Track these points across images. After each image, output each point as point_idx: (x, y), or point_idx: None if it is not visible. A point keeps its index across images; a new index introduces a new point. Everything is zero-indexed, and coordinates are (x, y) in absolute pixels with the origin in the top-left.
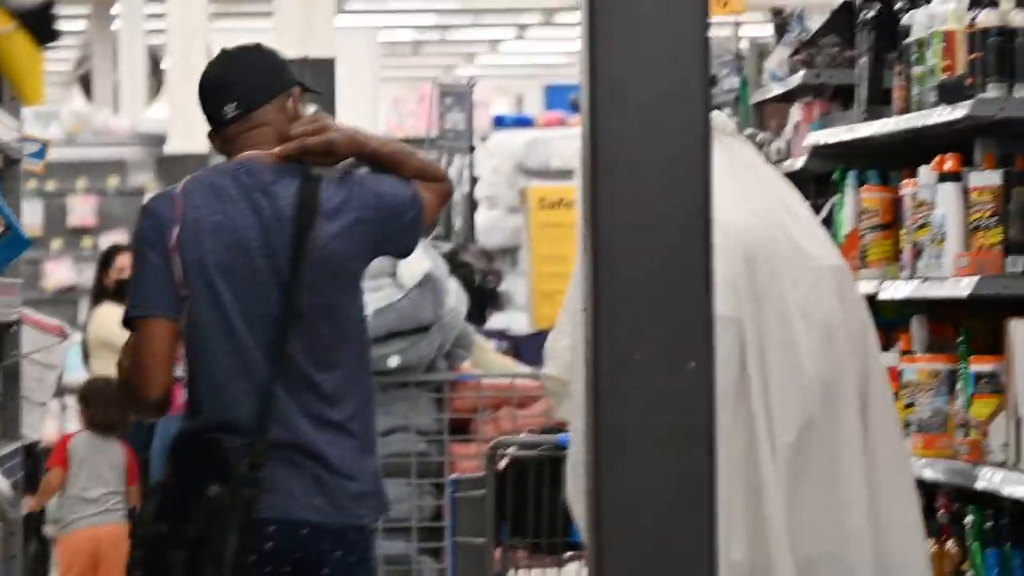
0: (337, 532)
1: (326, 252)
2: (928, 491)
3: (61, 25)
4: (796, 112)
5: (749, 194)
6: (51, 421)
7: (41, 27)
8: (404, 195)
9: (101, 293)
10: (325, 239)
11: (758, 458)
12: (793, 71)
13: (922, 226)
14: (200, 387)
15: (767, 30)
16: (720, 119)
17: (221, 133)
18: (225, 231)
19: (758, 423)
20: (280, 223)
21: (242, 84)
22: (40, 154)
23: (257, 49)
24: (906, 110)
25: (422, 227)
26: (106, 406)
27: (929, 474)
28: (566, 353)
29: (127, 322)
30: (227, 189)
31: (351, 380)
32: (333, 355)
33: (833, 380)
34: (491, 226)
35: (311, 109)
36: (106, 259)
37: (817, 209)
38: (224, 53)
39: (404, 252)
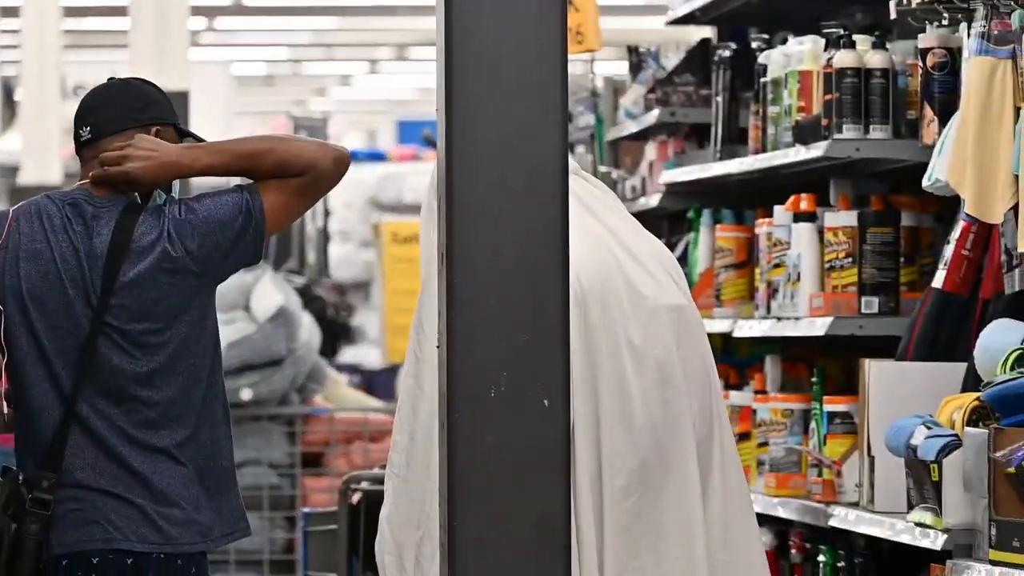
0: (162, 561)
1: (135, 289)
2: (781, 530)
3: None
4: (651, 150)
5: (583, 232)
6: None
7: None
8: (227, 212)
9: None
10: (135, 276)
11: (578, 504)
12: (648, 109)
13: (777, 265)
14: (18, 415)
15: (623, 67)
16: None
17: (78, 155)
18: (42, 259)
19: (579, 467)
20: (92, 259)
21: (100, 111)
22: None
23: (132, 83)
24: (762, 149)
25: (261, 232)
26: None
27: (782, 513)
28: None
29: None
30: (53, 217)
31: (182, 406)
32: (156, 384)
33: (668, 421)
34: (344, 260)
35: None
36: None
37: (671, 247)
38: (105, 82)
39: (249, 261)
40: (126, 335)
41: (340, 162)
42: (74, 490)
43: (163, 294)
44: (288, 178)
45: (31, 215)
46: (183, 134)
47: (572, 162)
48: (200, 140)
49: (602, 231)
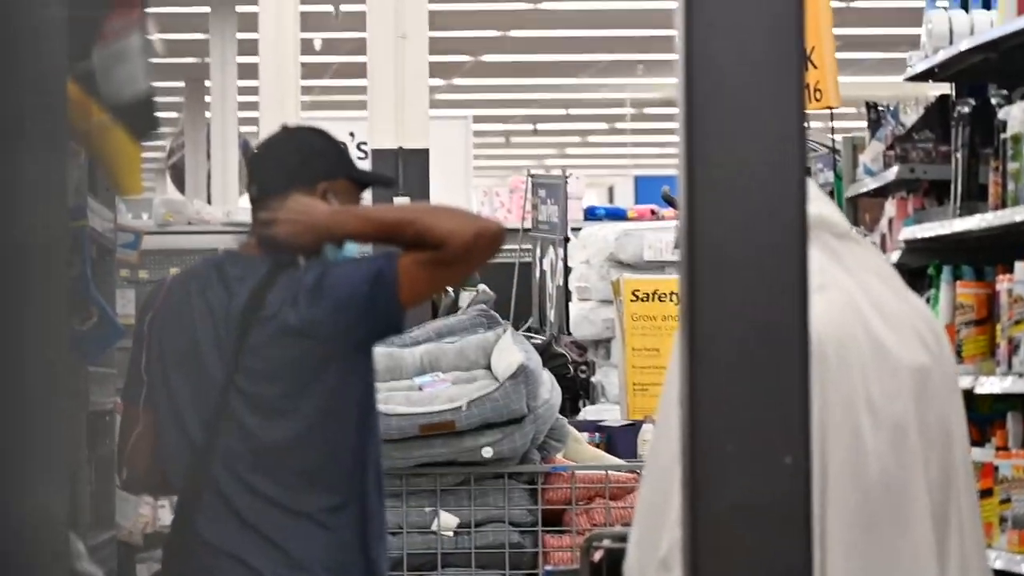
0: None
1: (263, 352)
2: None
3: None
4: (890, 207)
5: (830, 287)
6: (146, 509)
7: (140, 121)
8: (357, 279)
9: None
10: (263, 339)
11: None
12: (887, 166)
13: (1018, 322)
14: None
15: (861, 124)
16: (833, 218)
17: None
18: (183, 323)
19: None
20: (229, 321)
21: (264, 169)
22: (134, 245)
23: (296, 135)
24: (1002, 205)
25: (395, 301)
26: None
27: None
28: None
29: None
30: (201, 280)
31: (323, 474)
32: (291, 450)
33: (902, 483)
34: (584, 318)
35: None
36: None
37: None
38: (275, 133)
39: (385, 330)
40: (256, 399)
41: (483, 236)
42: (201, 548)
43: (291, 359)
44: (427, 250)
45: (183, 279)
46: (365, 182)
47: (842, 219)
48: (390, 180)
49: (851, 286)
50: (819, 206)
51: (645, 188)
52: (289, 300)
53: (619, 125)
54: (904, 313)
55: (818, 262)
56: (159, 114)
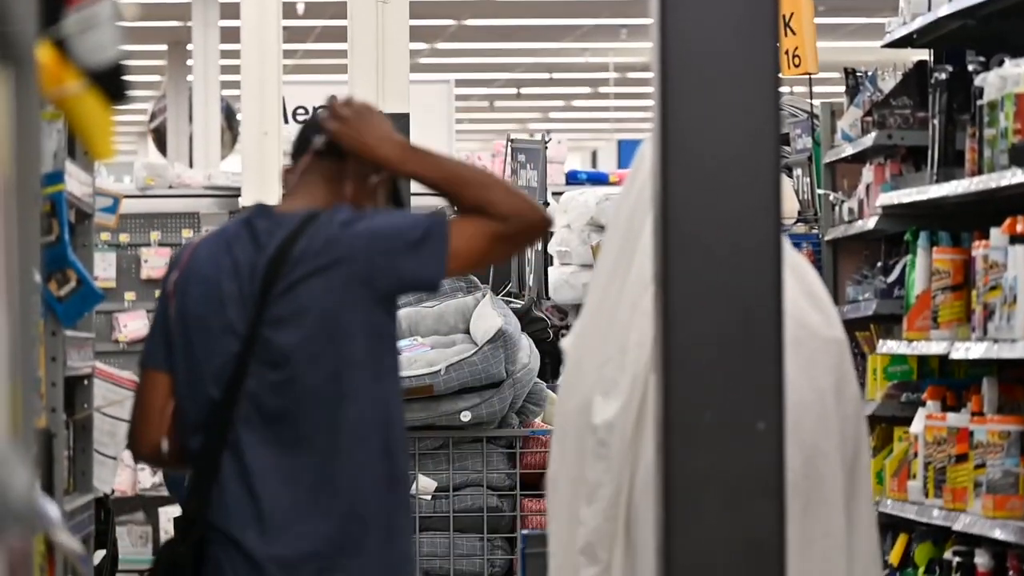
0: None
1: (291, 296)
2: (998, 552)
3: (134, 80)
4: (868, 173)
5: None
6: (125, 472)
7: (112, 86)
8: (404, 223)
9: None
10: (291, 283)
11: None
12: (865, 132)
13: (993, 288)
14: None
15: (840, 90)
16: None
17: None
18: (208, 282)
19: None
20: (254, 273)
21: (297, 138)
22: (112, 208)
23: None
24: (978, 172)
25: (440, 254)
26: None
27: (999, 535)
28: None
29: None
30: (229, 238)
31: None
32: (322, 409)
33: (821, 448)
34: (563, 282)
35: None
36: None
37: (889, 269)
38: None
39: (423, 281)
40: (281, 349)
41: (547, 223)
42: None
43: (316, 299)
44: (488, 218)
45: (211, 239)
46: (399, 198)
47: None
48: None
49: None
50: None
51: (628, 152)
52: (326, 238)
53: (602, 89)
54: (820, 289)
55: None
56: (131, 79)
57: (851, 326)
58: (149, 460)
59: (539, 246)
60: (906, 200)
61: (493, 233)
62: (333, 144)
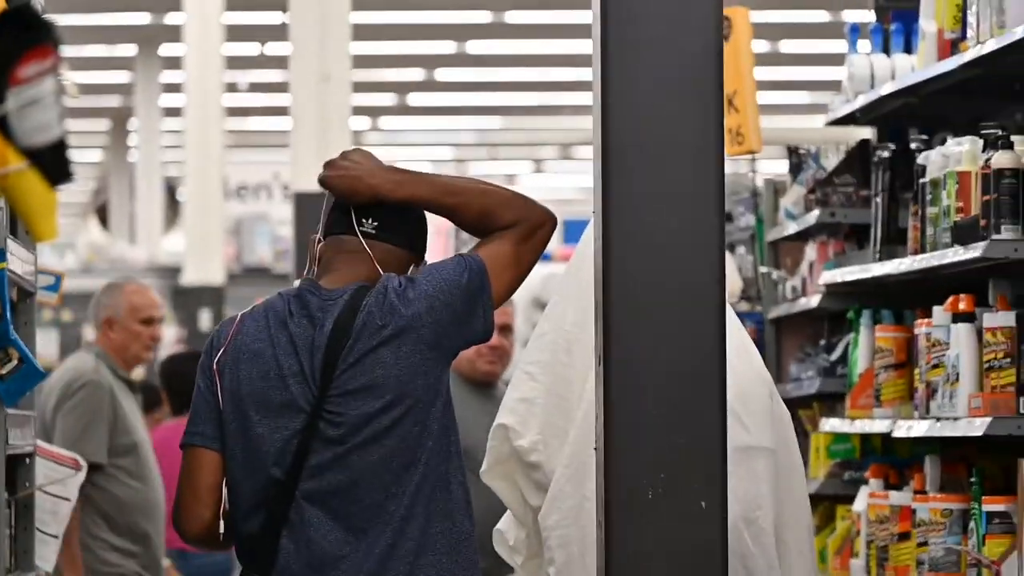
0: None
1: (357, 369)
2: None
3: (76, 160)
4: (811, 250)
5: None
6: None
7: (55, 167)
8: (450, 271)
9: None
10: (357, 356)
11: None
12: (808, 209)
13: (936, 366)
14: (233, 522)
15: (783, 167)
16: None
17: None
18: (263, 358)
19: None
20: (315, 350)
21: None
22: (55, 287)
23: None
24: (921, 250)
25: (488, 291)
26: None
27: None
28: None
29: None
30: (279, 314)
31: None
32: (389, 478)
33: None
34: None
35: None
36: None
37: (831, 347)
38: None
39: (479, 338)
40: (350, 422)
41: (551, 217)
42: None
43: (388, 370)
44: (500, 235)
45: (258, 314)
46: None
47: None
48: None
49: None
50: None
51: (573, 231)
52: (384, 307)
53: (544, 165)
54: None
55: None
56: (73, 161)
57: (794, 404)
58: (200, 540)
59: None
60: (849, 278)
61: (514, 252)
62: (368, 220)
